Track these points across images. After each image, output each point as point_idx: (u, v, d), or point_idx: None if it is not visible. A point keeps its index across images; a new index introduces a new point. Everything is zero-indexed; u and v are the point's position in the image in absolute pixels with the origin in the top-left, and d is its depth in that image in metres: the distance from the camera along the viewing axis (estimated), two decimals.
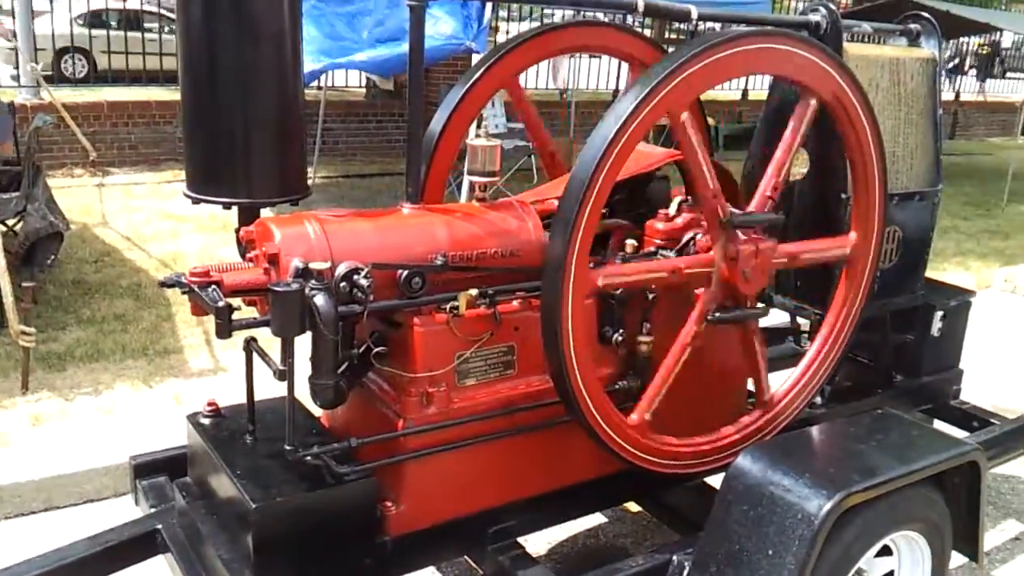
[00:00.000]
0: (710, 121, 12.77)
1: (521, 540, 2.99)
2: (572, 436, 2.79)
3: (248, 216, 2.66)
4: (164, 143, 10.52)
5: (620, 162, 2.49)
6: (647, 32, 13.33)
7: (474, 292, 2.57)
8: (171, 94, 10.68)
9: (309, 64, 7.56)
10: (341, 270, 2.40)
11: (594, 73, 14.39)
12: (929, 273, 3.96)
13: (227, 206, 2.65)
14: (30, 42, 10.13)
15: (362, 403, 2.77)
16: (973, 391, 4.52)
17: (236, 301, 2.47)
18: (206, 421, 2.82)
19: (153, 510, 2.97)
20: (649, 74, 2.54)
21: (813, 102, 2.88)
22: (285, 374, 2.34)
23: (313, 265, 2.30)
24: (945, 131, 17.60)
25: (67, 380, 5.01)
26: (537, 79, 13.26)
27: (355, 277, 2.39)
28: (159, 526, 2.85)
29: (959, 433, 4.06)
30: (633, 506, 3.96)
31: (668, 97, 2.51)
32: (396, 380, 2.64)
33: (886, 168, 3.11)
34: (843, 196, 3.30)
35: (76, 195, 8.89)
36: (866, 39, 3.84)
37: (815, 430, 2.94)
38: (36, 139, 6.28)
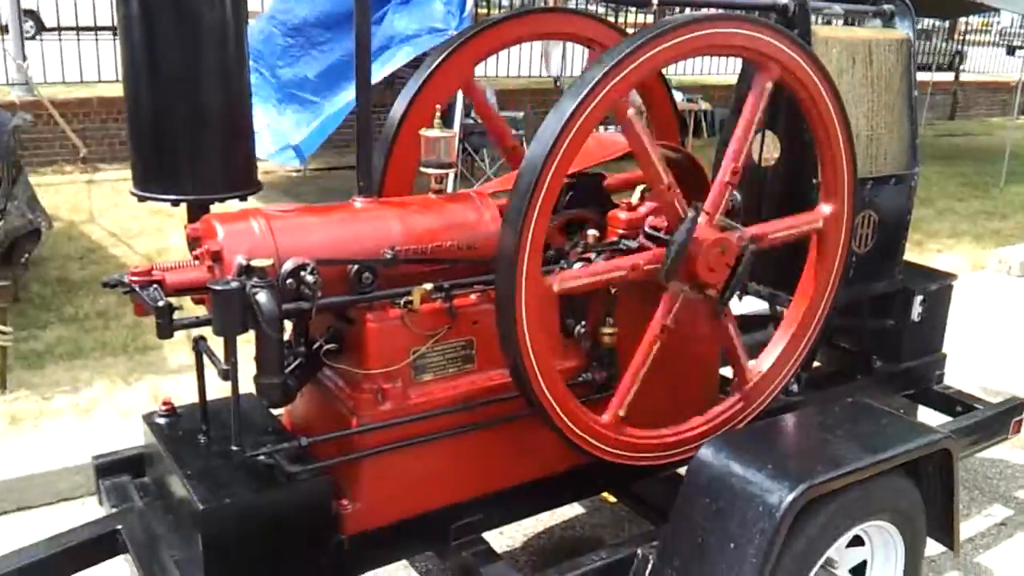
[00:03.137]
0: (705, 105, 12.73)
1: (496, 532, 2.94)
2: (537, 429, 2.74)
3: (197, 213, 2.62)
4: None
5: (572, 152, 2.43)
6: None
7: (428, 286, 2.52)
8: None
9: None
10: (287, 266, 2.35)
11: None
12: (924, 254, 3.89)
13: (175, 203, 2.60)
14: (19, 39, 10.06)
15: (320, 400, 2.73)
16: (965, 374, 4.46)
17: (184, 300, 2.43)
18: (161, 421, 2.78)
19: (115, 510, 2.93)
20: (599, 61, 2.48)
21: (768, 84, 2.81)
22: (228, 373, 2.30)
23: (255, 262, 2.25)
24: (945, 111, 17.59)
25: (46, 378, 4.99)
26: (530, 67, 13.18)
27: (301, 273, 2.34)
28: (119, 527, 2.80)
29: (942, 418, 4.04)
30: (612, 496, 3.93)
31: (620, 85, 2.45)
32: (350, 377, 2.60)
33: (854, 152, 3.05)
34: (814, 181, 3.24)
35: (65, 192, 8.86)
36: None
37: (782, 420, 2.89)
38: (15, 137, 6.25)
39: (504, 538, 3.75)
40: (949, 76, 17.96)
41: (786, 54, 2.77)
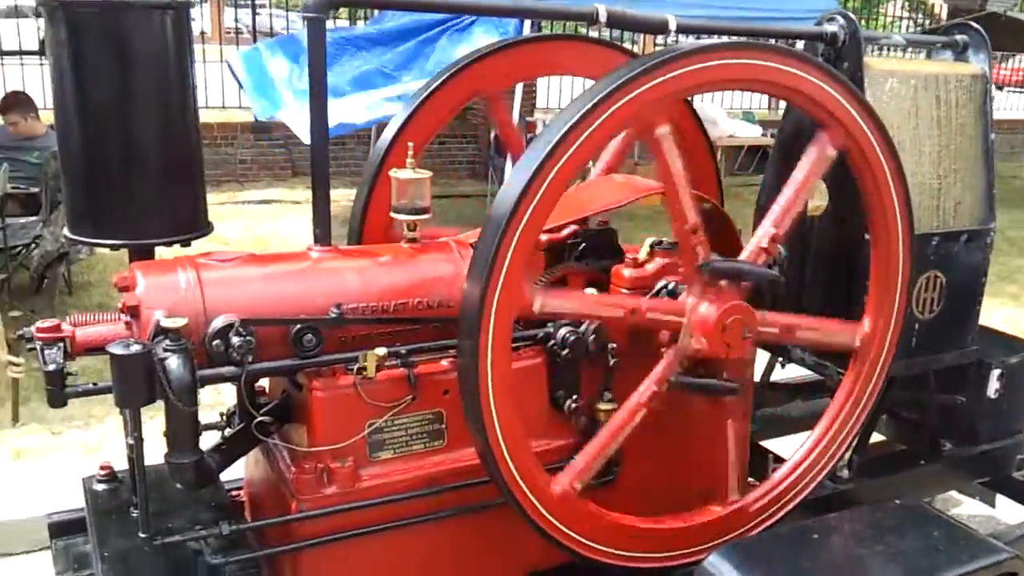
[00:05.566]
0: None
1: None
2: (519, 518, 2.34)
3: (142, 258, 2.33)
4: (225, 164, 10.45)
5: (553, 195, 2.05)
6: None
7: (382, 351, 2.16)
8: (231, 116, 10.60)
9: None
10: (215, 326, 2.04)
11: None
12: (1013, 316, 3.33)
13: (113, 248, 2.32)
14: None
15: (268, 475, 2.39)
16: None
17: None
18: (99, 487, 2.49)
19: None
20: (589, 92, 2.10)
21: (831, 149, 2.41)
22: (134, 448, 1.98)
23: (166, 322, 1.94)
24: None
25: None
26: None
27: (229, 334, 2.02)
28: None
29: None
30: None
31: (612, 119, 2.07)
32: (295, 452, 2.25)
33: (911, 207, 2.58)
34: (866, 237, 2.78)
35: None
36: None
37: (813, 526, 2.41)
38: (57, 163, 6.26)
39: None
40: None
41: (827, 94, 2.34)
